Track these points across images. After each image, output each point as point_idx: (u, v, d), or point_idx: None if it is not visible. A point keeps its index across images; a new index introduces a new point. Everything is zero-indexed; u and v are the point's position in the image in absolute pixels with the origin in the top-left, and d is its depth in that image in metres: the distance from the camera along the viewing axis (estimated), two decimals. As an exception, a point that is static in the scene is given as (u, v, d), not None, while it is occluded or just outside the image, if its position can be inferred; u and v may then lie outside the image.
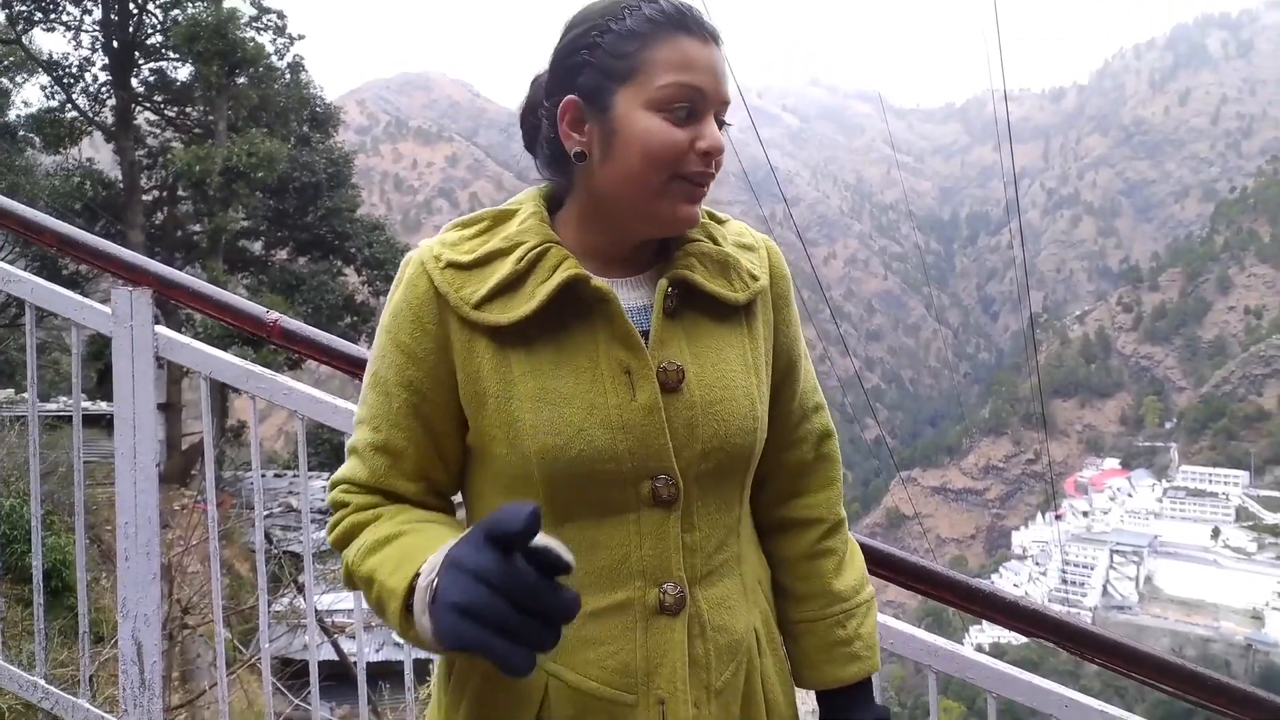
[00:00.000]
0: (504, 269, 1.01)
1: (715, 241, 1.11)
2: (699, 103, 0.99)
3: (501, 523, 0.73)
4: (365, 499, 1.04)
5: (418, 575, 0.86)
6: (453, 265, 1.03)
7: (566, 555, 0.75)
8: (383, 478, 1.04)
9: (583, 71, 1.02)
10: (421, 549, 0.90)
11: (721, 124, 1.03)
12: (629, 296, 1.07)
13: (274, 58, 20.17)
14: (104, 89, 19.26)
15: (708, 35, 1.01)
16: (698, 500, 1.04)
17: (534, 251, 1.02)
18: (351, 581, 1.02)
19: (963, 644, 1.75)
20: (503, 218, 1.09)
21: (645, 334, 1.04)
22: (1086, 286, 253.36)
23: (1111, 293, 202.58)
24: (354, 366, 1.83)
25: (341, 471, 1.07)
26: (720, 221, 1.16)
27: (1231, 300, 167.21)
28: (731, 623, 1.06)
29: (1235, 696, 1.54)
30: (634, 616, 1.01)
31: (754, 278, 1.12)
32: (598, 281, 1.01)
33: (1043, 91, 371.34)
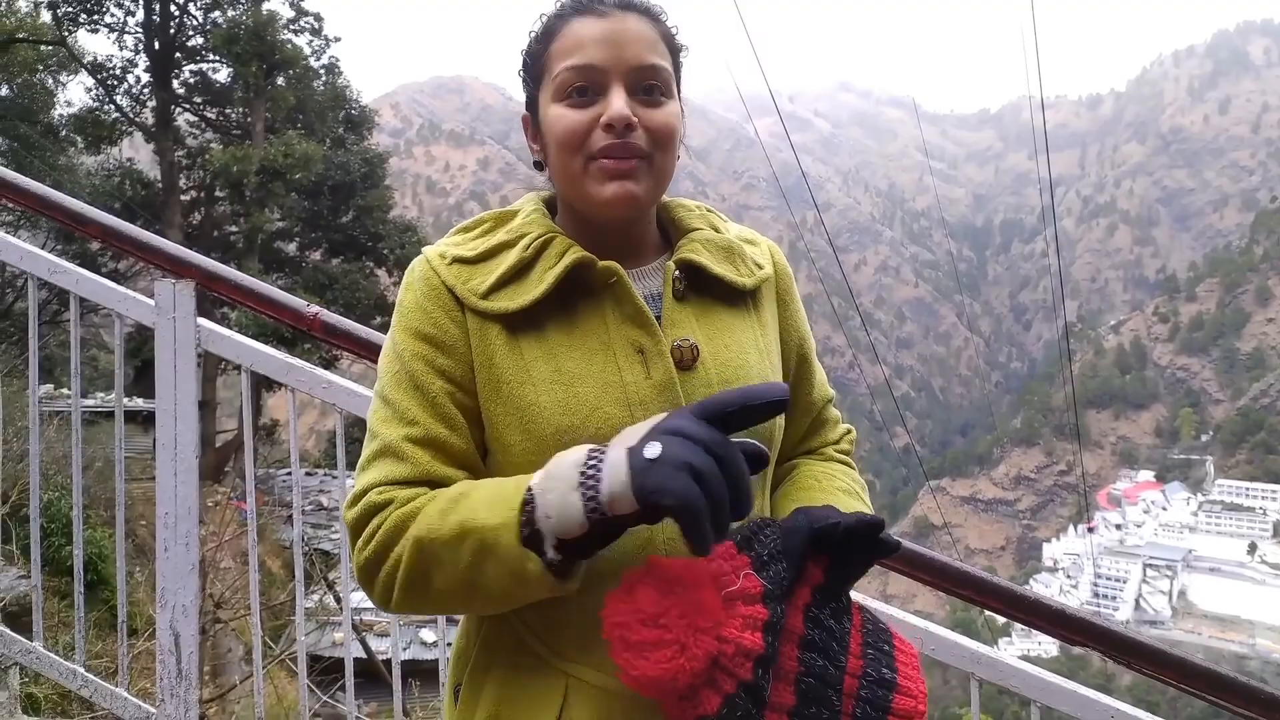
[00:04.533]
0: (510, 258, 1.02)
1: (718, 231, 1.14)
2: (597, 78, 0.99)
3: (757, 393, 0.81)
4: (410, 492, 0.96)
5: (528, 503, 0.86)
6: (458, 260, 1.04)
7: (762, 446, 0.83)
8: (429, 469, 0.97)
9: (525, 88, 1.09)
10: (506, 485, 0.90)
11: (654, 94, 1.01)
12: (637, 286, 1.06)
13: (311, 59, 20.49)
14: (145, 90, 19.60)
15: (608, 8, 1.01)
16: None
17: (539, 240, 1.03)
18: (400, 588, 0.94)
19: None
20: (505, 218, 1.10)
21: (657, 319, 1.03)
22: (1122, 296, 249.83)
23: (1148, 303, 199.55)
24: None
25: (370, 476, 0.98)
26: (722, 219, 1.19)
27: (1271, 312, 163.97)
28: None
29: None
30: None
31: (759, 265, 1.14)
32: (605, 262, 1.01)
33: (1079, 98, 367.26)
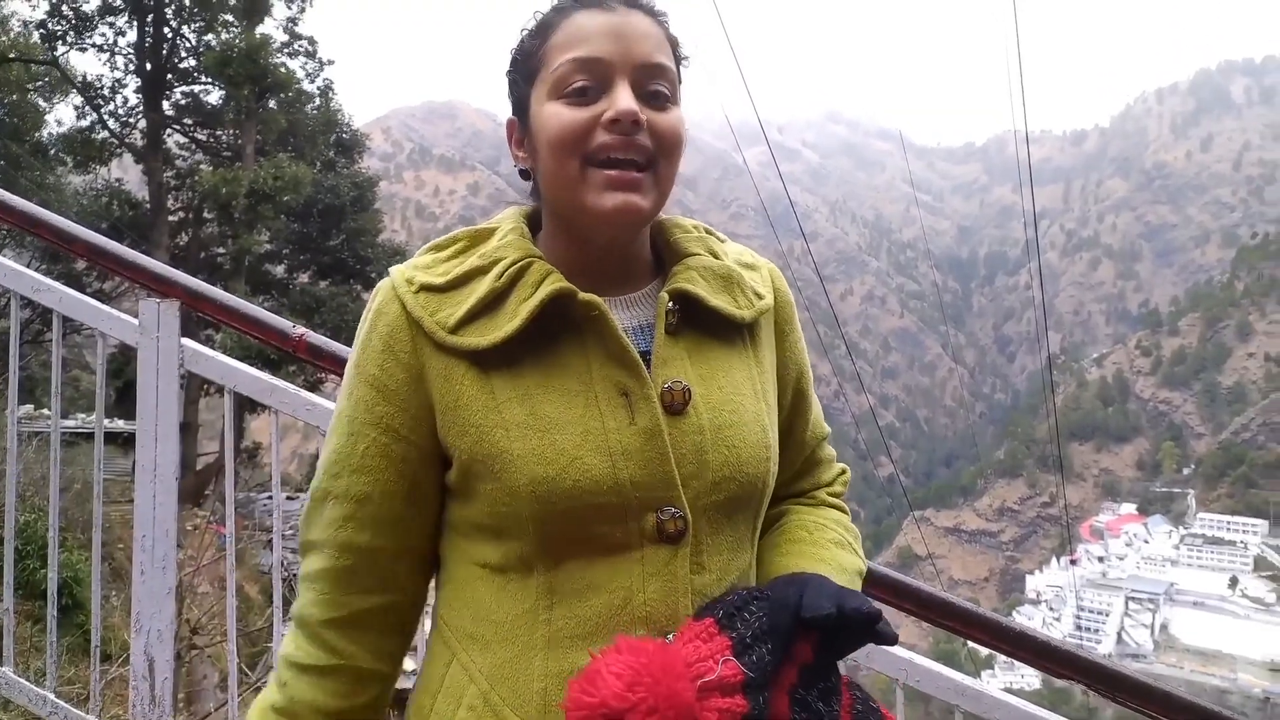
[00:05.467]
0: (482, 288, 0.92)
1: (716, 256, 1.03)
2: (601, 73, 0.90)
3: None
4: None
5: None
6: (426, 288, 0.93)
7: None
8: (337, 530, 0.95)
9: (513, 89, 0.99)
10: None
11: (660, 98, 0.93)
12: (625, 315, 0.98)
13: (304, 83, 20.53)
14: (135, 111, 19.60)
15: (614, 2, 0.93)
16: (708, 538, 0.92)
17: (514, 267, 0.93)
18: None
19: (988, 686, 1.70)
20: (480, 236, 1.00)
21: (645, 355, 0.94)
22: (1105, 329, 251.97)
23: (1130, 336, 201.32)
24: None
25: (313, 536, 0.99)
26: (720, 240, 1.08)
27: (1252, 347, 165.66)
28: None
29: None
30: None
31: (759, 295, 1.03)
32: (586, 295, 0.91)
33: (1064, 133, 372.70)
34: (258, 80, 18.00)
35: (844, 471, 1.19)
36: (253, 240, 18.60)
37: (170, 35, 19.04)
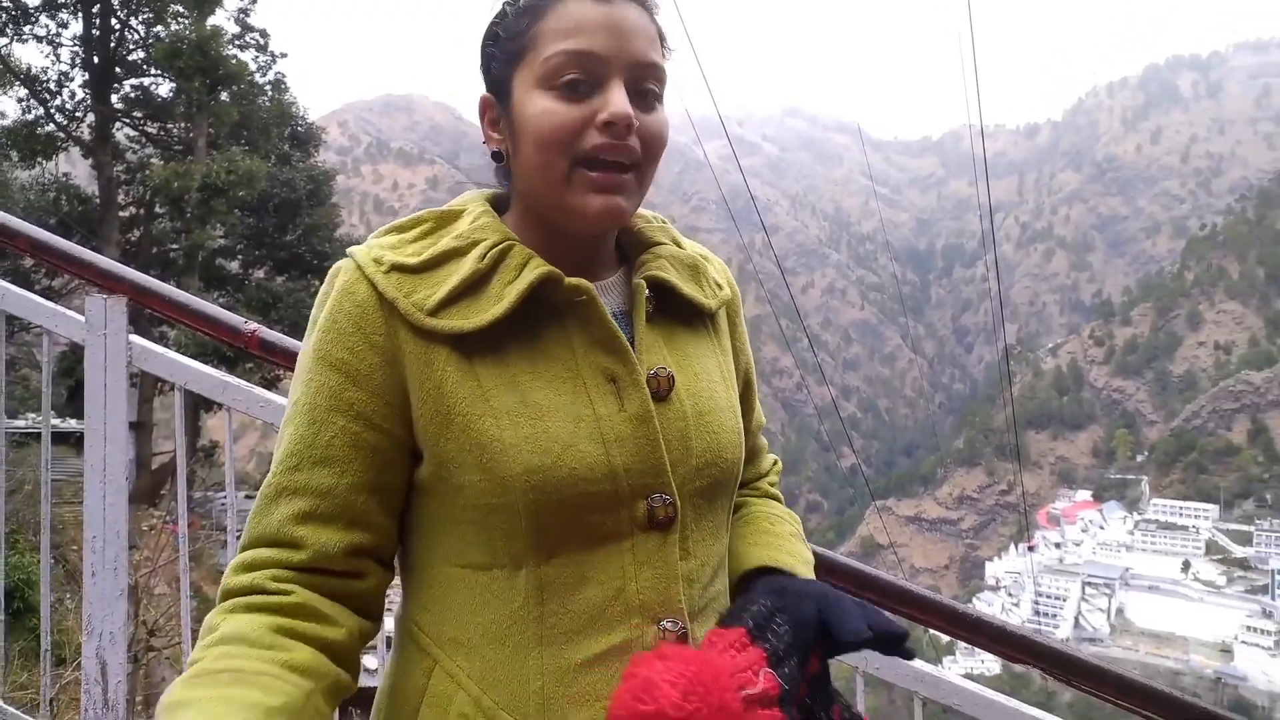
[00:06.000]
0: (464, 269, 0.88)
1: (679, 246, 1.04)
2: (596, 68, 0.86)
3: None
4: (244, 579, 0.83)
5: None
6: (398, 268, 0.88)
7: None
8: (295, 526, 0.85)
9: (491, 65, 0.94)
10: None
11: (650, 98, 0.90)
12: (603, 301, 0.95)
13: (256, 75, 20.20)
14: (82, 104, 19.15)
15: None
16: (692, 524, 0.92)
17: (495, 249, 0.90)
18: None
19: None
20: (447, 218, 0.96)
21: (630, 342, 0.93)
22: (1059, 319, 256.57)
23: (1084, 326, 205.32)
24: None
25: (255, 531, 0.87)
26: (677, 234, 1.09)
27: (1202, 335, 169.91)
28: None
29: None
30: None
31: (719, 286, 1.04)
32: (572, 279, 0.89)
33: (1018, 127, 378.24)
34: (209, 72, 17.68)
35: (777, 462, 1.21)
36: (206, 235, 18.29)
37: (118, 27, 18.62)
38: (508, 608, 0.87)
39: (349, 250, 0.93)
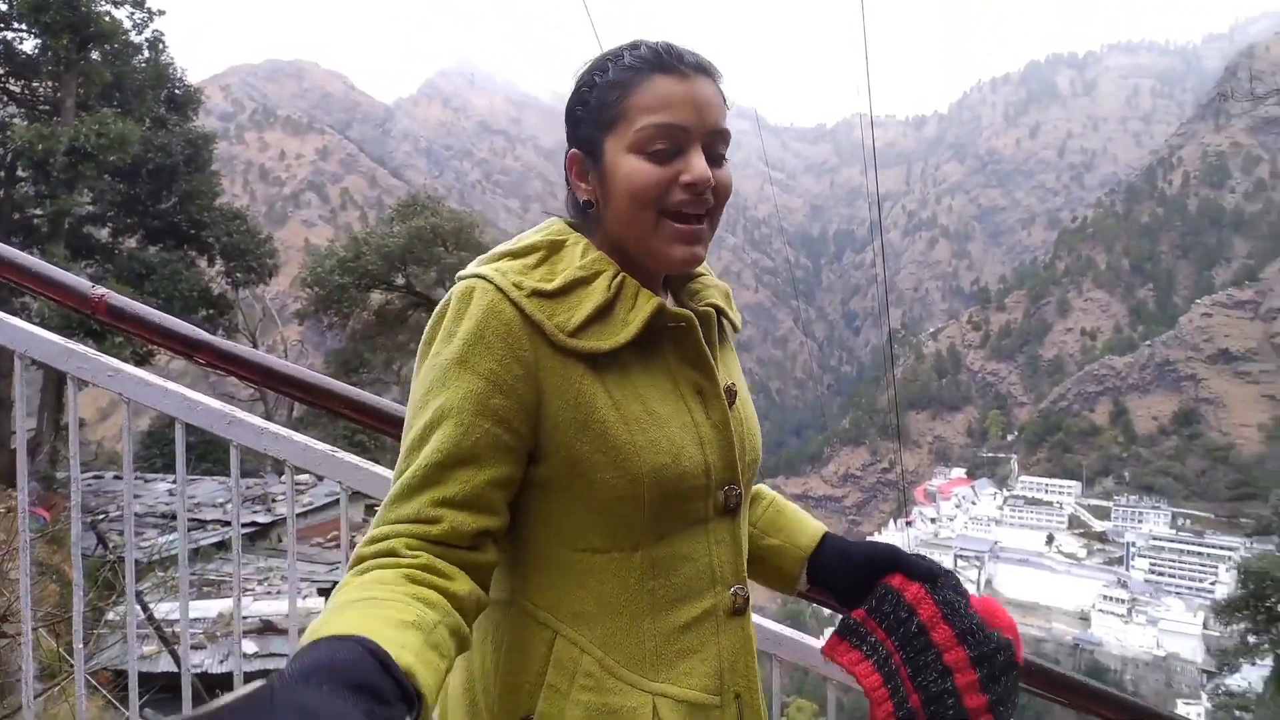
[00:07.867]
0: (595, 297, 1.04)
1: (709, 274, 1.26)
2: (680, 139, 1.03)
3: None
4: (377, 547, 0.93)
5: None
6: (537, 294, 1.02)
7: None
8: (438, 508, 0.95)
9: (580, 126, 1.09)
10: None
11: (719, 157, 1.07)
12: None
13: (131, 33, 19.03)
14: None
15: (688, 70, 1.04)
16: (744, 509, 1.15)
17: (616, 280, 1.06)
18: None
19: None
20: (555, 247, 1.09)
21: None
22: (941, 305, 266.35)
23: (963, 312, 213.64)
24: (189, 348, 1.69)
25: (392, 514, 0.96)
26: None
27: (1070, 322, 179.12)
28: None
29: (1082, 692, 1.67)
30: (715, 621, 1.08)
31: (736, 311, 1.27)
32: (677, 309, 1.09)
33: (906, 119, 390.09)
34: (78, 29, 16.60)
35: None
36: (72, 201, 17.21)
37: (-26, -26, 17.28)
38: (624, 583, 1.04)
39: (481, 273, 1.04)
